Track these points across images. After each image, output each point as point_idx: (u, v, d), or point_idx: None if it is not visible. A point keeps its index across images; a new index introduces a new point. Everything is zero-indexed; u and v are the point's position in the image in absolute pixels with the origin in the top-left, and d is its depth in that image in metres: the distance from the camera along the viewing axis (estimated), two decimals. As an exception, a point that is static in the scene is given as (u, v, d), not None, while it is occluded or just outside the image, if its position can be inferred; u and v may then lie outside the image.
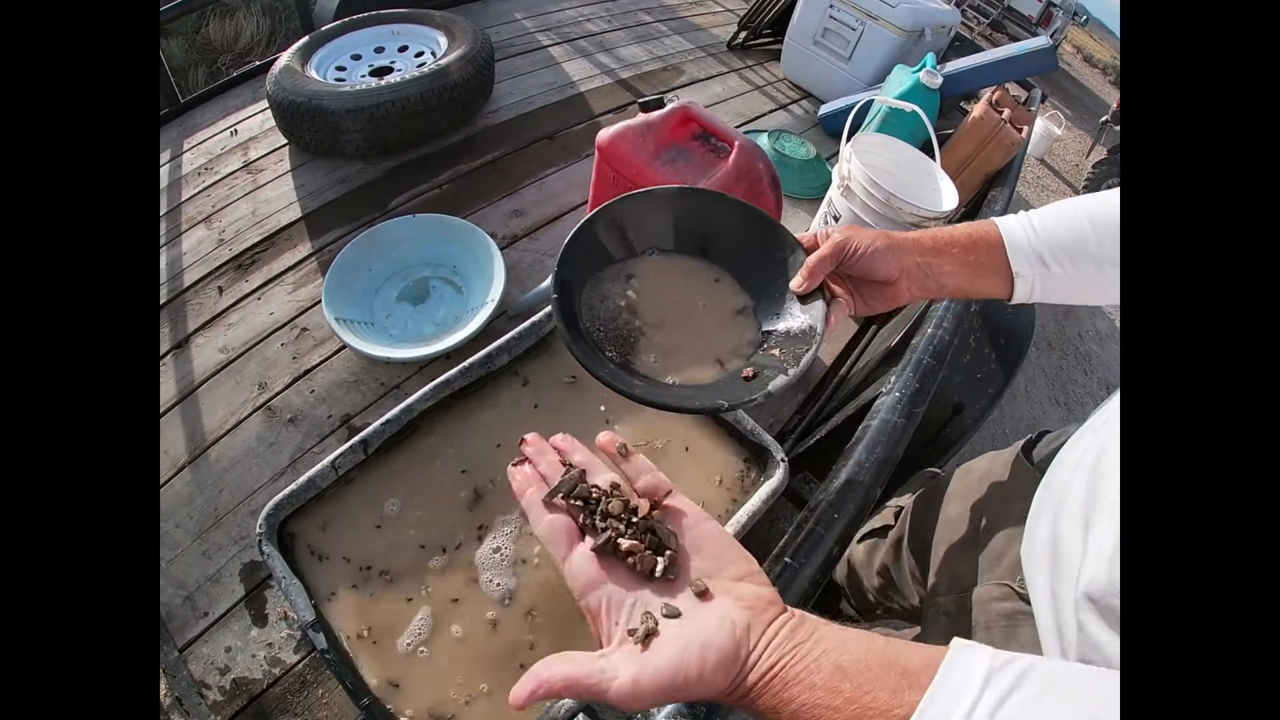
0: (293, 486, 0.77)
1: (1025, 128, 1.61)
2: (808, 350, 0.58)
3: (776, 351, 0.61)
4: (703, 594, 0.39)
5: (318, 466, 0.78)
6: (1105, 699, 0.28)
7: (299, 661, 0.89)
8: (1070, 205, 0.62)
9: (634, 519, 0.42)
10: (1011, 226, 0.63)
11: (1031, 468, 0.74)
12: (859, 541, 1.04)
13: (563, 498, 0.43)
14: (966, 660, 0.31)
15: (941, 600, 0.75)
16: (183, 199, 1.58)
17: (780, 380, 0.56)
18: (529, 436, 0.48)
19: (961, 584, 0.73)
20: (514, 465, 0.47)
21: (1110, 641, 0.46)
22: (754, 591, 0.39)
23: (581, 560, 0.41)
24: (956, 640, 0.33)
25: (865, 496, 0.74)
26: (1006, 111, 1.59)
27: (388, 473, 0.81)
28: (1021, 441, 0.80)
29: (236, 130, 1.84)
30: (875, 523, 1.03)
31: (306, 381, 1.12)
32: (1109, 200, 0.60)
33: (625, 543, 0.41)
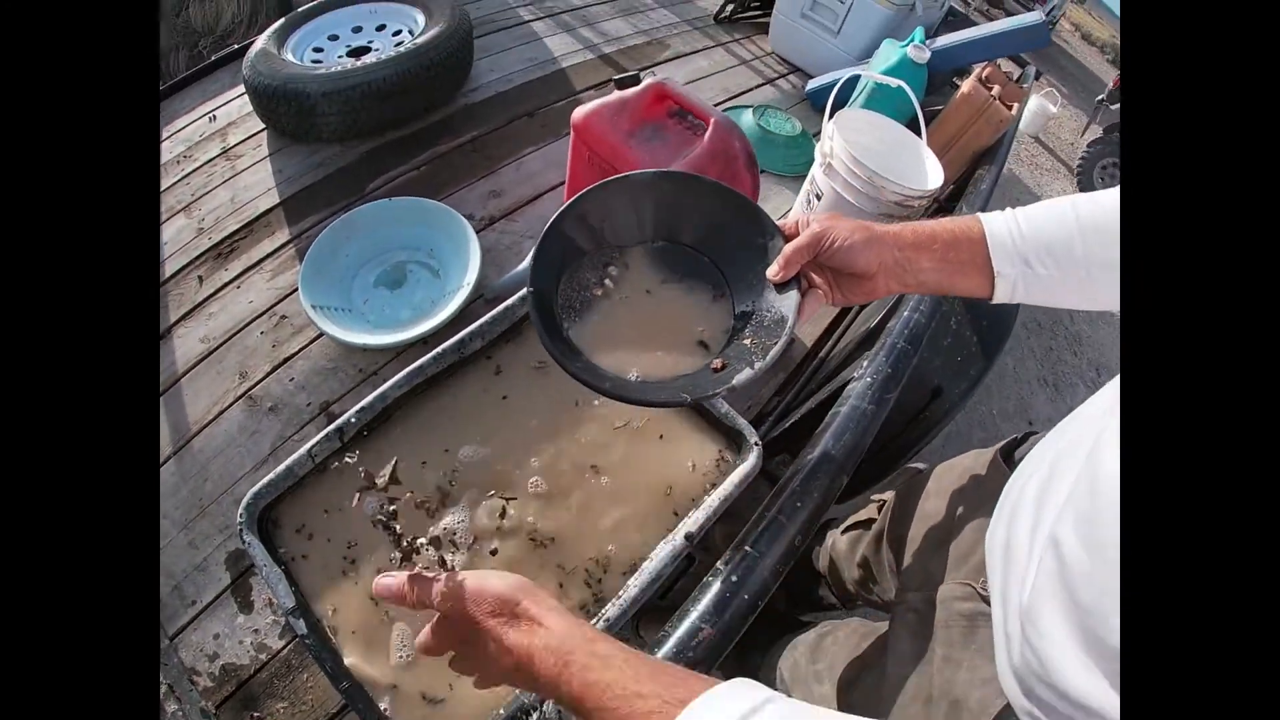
0: (271, 475, 0.78)
1: (1015, 105, 1.56)
2: (775, 344, 0.58)
3: (748, 341, 0.61)
4: None
5: (295, 455, 0.78)
6: None
7: (284, 647, 0.90)
8: (1060, 204, 0.60)
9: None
10: (996, 224, 0.61)
11: (1006, 467, 0.73)
12: (843, 533, 1.03)
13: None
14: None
15: (911, 597, 0.74)
16: (162, 188, 1.56)
17: (745, 374, 0.56)
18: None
19: (933, 581, 0.71)
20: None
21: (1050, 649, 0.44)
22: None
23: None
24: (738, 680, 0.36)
25: (831, 484, 0.73)
26: (996, 88, 1.55)
27: (368, 456, 0.82)
28: (1005, 440, 0.78)
29: (215, 116, 1.80)
30: (860, 515, 1.02)
31: (286, 369, 1.12)
32: (1101, 200, 0.58)
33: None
